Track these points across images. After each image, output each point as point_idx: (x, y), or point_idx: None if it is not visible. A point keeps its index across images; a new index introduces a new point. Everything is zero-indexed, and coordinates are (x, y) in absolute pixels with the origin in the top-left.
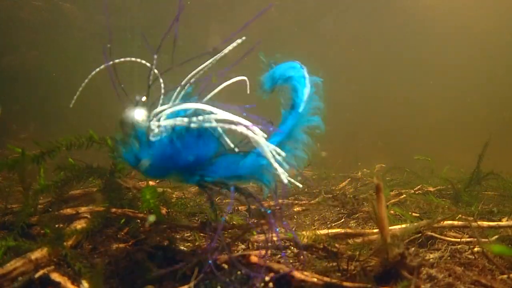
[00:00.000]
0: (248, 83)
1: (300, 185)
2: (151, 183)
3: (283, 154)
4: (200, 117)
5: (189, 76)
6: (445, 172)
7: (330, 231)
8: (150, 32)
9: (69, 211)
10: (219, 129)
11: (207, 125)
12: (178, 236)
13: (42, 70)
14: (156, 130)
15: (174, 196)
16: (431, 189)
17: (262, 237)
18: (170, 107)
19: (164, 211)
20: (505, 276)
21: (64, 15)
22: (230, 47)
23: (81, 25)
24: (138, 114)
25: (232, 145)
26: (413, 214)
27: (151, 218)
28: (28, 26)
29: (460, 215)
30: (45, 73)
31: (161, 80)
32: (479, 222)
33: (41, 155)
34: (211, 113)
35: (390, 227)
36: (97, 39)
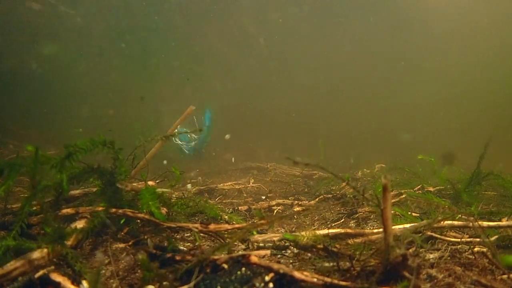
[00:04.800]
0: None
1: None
2: (150, 183)
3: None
4: None
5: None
6: (444, 173)
7: (330, 231)
8: (150, 34)
9: (69, 211)
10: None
11: None
12: (178, 236)
13: (40, 72)
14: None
15: (174, 196)
16: (431, 189)
17: (262, 237)
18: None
19: (164, 211)
20: (505, 276)
21: (62, 18)
22: None
23: (80, 28)
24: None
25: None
26: (413, 214)
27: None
28: (27, 29)
29: (460, 215)
30: (44, 75)
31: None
32: (479, 222)
33: (63, 160)
34: None
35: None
36: (95, 41)
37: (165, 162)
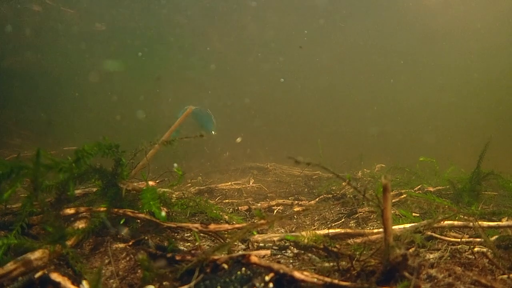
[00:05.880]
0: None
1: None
2: (151, 183)
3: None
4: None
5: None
6: (449, 173)
7: (330, 231)
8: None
9: (69, 211)
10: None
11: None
12: (178, 236)
13: (41, 73)
14: None
15: (174, 196)
16: (431, 189)
17: (262, 237)
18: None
19: (164, 211)
20: (505, 276)
21: (63, 19)
22: None
23: (80, 29)
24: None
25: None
26: (414, 214)
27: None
28: (28, 30)
29: (460, 215)
30: (45, 76)
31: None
32: (479, 222)
33: (71, 165)
34: None
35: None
36: (96, 43)
37: (175, 164)
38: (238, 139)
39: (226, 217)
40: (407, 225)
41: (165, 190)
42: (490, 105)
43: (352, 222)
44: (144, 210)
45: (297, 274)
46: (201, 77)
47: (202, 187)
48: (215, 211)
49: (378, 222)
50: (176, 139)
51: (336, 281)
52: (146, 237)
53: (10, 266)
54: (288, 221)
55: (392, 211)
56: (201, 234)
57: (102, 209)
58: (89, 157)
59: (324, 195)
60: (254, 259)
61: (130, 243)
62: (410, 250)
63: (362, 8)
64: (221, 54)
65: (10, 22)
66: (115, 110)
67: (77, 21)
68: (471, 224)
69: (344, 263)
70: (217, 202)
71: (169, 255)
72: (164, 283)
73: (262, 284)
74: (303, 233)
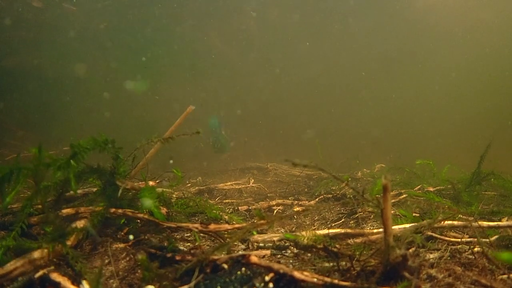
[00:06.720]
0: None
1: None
2: (151, 183)
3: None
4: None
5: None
6: (445, 172)
7: (330, 231)
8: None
9: (69, 211)
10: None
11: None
12: (178, 236)
13: (42, 70)
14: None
15: (174, 196)
16: (431, 189)
17: (262, 237)
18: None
19: (164, 211)
20: (505, 276)
21: (64, 16)
22: None
23: (82, 26)
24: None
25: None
26: (414, 214)
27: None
28: (29, 26)
29: (460, 215)
30: (45, 76)
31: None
32: (479, 222)
33: (69, 160)
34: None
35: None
36: (97, 40)
37: (171, 161)
38: (231, 143)
39: (226, 217)
40: (407, 225)
41: (165, 190)
42: (490, 105)
43: (352, 222)
44: (144, 210)
45: (297, 274)
46: (201, 77)
47: (202, 187)
48: (215, 211)
49: (378, 222)
50: (174, 137)
51: (336, 281)
52: (146, 237)
53: (10, 266)
54: (288, 221)
55: (392, 211)
56: (201, 234)
57: (101, 208)
58: (86, 152)
59: (324, 195)
60: (254, 259)
61: (130, 243)
62: (410, 250)
63: (360, 8)
64: (222, 53)
65: (10, 22)
66: (116, 110)
67: (77, 18)
68: (471, 224)
69: (344, 263)
70: (217, 202)
71: (169, 255)
72: (164, 283)
73: (262, 284)
74: (303, 233)
